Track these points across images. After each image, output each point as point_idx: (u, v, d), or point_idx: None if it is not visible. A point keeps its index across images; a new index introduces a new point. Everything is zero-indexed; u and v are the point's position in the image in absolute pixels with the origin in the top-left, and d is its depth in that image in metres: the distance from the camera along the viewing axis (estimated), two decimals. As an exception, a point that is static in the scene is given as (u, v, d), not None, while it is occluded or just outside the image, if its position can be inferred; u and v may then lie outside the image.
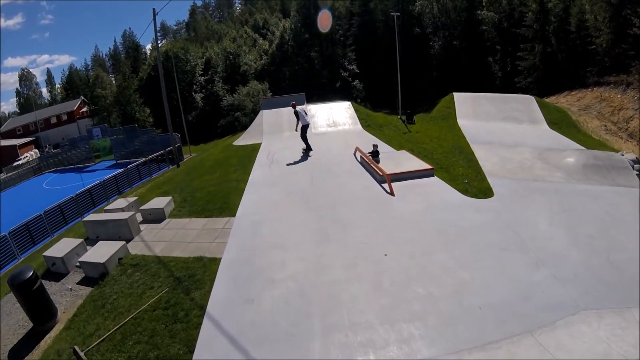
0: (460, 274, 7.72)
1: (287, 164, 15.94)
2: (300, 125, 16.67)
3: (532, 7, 39.25)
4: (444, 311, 6.85)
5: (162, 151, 32.97)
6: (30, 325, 8.52)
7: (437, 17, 49.30)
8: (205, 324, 7.23)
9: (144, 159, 32.26)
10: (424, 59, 47.98)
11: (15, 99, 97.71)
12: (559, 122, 22.82)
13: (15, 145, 65.32)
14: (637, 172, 12.45)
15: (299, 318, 7.06)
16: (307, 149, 17.07)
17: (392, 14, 32.00)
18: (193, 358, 6.58)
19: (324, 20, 51.77)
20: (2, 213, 28.44)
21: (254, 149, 19.19)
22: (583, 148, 16.40)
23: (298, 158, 16.57)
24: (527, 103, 23.93)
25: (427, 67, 48.17)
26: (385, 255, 8.51)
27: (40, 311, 8.39)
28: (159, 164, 31.90)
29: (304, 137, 16.96)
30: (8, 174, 50.06)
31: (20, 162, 58.88)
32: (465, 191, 11.69)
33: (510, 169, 13.39)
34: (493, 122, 22.08)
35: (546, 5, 38.24)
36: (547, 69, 37.69)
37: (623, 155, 13.64)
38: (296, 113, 16.62)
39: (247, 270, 8.70)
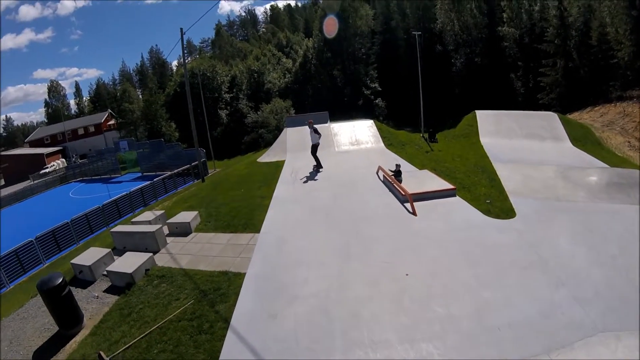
0: (481, 293, 7.72)
1: (311, 182, 16.19)
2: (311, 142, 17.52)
3: (552, 22, 38.89)
4: (463, 330, 6.87)
5: (188, 165, 33.71)
6: (56, 328, 8.89)
7: (459, 34, 49.50)
8: (229, 336, 7.42)
9: (169, 172, 33.02)
10: (445, 76, 48.01)
11: (43, 109, 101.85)
12: (583, 139, 22.54)
13: (42, 154, 67.43)
14: None
15: (321, 334, 7.17)
16: (318, 166, 17.65)
17: (413, 32, 32.17)
18: (217, 369, 6.77)
19: (330, 26, 52.37)
20: (28, 219, 29.58)
21: (278, 165, 19.50)
22: (606, 166, 16.19)
23: (321, 176, 16.80)
24: (549, 120, 23.74)
25: (449, 85, 48.15)
26: (407, 275, 8.57)
27: (67, 316, 8.74)
28: (184, 177, 32.62)
29: (314, 154, 17.67)
30: (35, 181, 51.72)
31: (47, 170, 60.75)
32: (487, 211, 11.63)
33: (533, 187, 13.29)
34: (516, 140, 21.96)
35: (567, 19, 37.87)
36: (570, 84, 37.18)
37: (647, 172, 13.35)
38: (313, 131, 17.26)
39: (271, 285, 8.86)
